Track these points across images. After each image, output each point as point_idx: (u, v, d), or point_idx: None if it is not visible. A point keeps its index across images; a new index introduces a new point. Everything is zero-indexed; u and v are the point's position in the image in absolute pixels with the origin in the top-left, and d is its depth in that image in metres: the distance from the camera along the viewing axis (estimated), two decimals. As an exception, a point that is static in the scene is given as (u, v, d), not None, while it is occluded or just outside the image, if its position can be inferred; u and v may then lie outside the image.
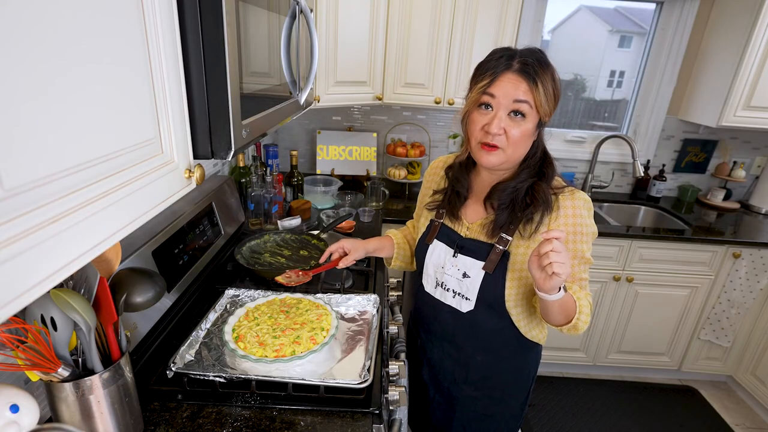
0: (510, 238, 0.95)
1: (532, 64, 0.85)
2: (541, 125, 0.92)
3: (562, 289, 0.83)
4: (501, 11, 1.94)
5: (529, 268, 0.83)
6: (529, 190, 0.94)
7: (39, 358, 0.63)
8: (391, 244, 1.24)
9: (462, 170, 1.04)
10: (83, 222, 0.44)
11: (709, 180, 2.63)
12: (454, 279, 1.03)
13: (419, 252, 1.11)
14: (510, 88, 0.86)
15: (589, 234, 0.94)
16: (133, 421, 0.77)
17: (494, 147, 0.89)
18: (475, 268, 0.99)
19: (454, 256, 1.02)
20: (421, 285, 1.13)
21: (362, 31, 1.91)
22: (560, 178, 0.99)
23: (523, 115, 0.87)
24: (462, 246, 1.01)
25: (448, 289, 1.05)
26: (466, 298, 1.02)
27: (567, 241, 0.93)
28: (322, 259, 1.20)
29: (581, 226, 0.93)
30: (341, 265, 1.15)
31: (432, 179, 1.16)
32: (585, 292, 0.96)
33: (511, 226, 0.95)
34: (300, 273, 1.18)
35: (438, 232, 1.07)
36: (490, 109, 0.88)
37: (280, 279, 1.15)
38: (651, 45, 2.41)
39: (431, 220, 1.10)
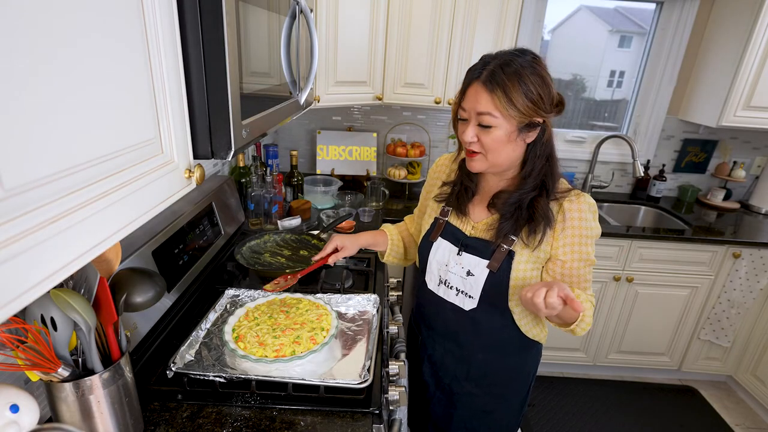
0: (515, 239, 0.96)
1: (498, 74, 0.84)
2: (527, 127, 0.89)
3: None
4: (501, 11, 1.94)
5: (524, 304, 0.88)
6: (531, 204, 0.95)
7: (39, 358, 0.63)
8: (384, 240, 1.26)
9: None
10: (83, 222, 0.44)
11: (709, 180, 2.63)
12: (457, 277, 1.03)
13: (423, 249, 1.11)
14: (473, 101, 0.89)
15: (593, 236, 0.96)
16: (133, 421, 0.77)
17: (475, 152, 0.93)
18: (480, 267, 0.99)
19: (458, 254, 1.03)
20: (424, 282, 1.13)
21: (362, 31, 1.91)
22: (564, 179, 0.99)
23: (488, 126, 0.88)
24: (467, 244, 1.02)
25: (451, 287, 1.05)
26: (470, 296, 1.02)
27: (573, 243, 0.95)
28: (317, 258, 1.19)
29: (586, 229, 0.95)
30: (330, 261, 1.16)
31: (439, 173, 1.16)
32: (587, 294, 0.98)
33: (517, 229, 0.96)
34: (288, 277, 1.18)
35: (443, 230, 1.07)
36: (466, 120, 0.93)
37: (268, 288, 1.13)
38: (651, 45, 2.41)
39: (435, 218, 1.10)
